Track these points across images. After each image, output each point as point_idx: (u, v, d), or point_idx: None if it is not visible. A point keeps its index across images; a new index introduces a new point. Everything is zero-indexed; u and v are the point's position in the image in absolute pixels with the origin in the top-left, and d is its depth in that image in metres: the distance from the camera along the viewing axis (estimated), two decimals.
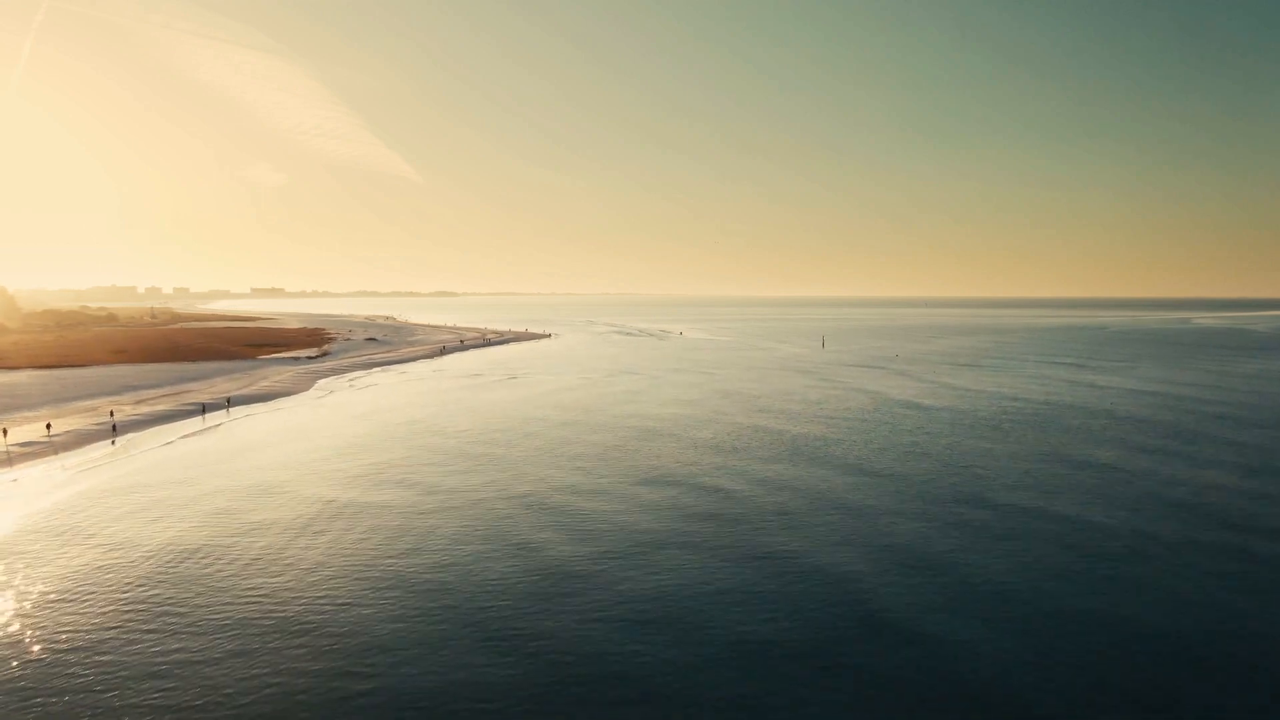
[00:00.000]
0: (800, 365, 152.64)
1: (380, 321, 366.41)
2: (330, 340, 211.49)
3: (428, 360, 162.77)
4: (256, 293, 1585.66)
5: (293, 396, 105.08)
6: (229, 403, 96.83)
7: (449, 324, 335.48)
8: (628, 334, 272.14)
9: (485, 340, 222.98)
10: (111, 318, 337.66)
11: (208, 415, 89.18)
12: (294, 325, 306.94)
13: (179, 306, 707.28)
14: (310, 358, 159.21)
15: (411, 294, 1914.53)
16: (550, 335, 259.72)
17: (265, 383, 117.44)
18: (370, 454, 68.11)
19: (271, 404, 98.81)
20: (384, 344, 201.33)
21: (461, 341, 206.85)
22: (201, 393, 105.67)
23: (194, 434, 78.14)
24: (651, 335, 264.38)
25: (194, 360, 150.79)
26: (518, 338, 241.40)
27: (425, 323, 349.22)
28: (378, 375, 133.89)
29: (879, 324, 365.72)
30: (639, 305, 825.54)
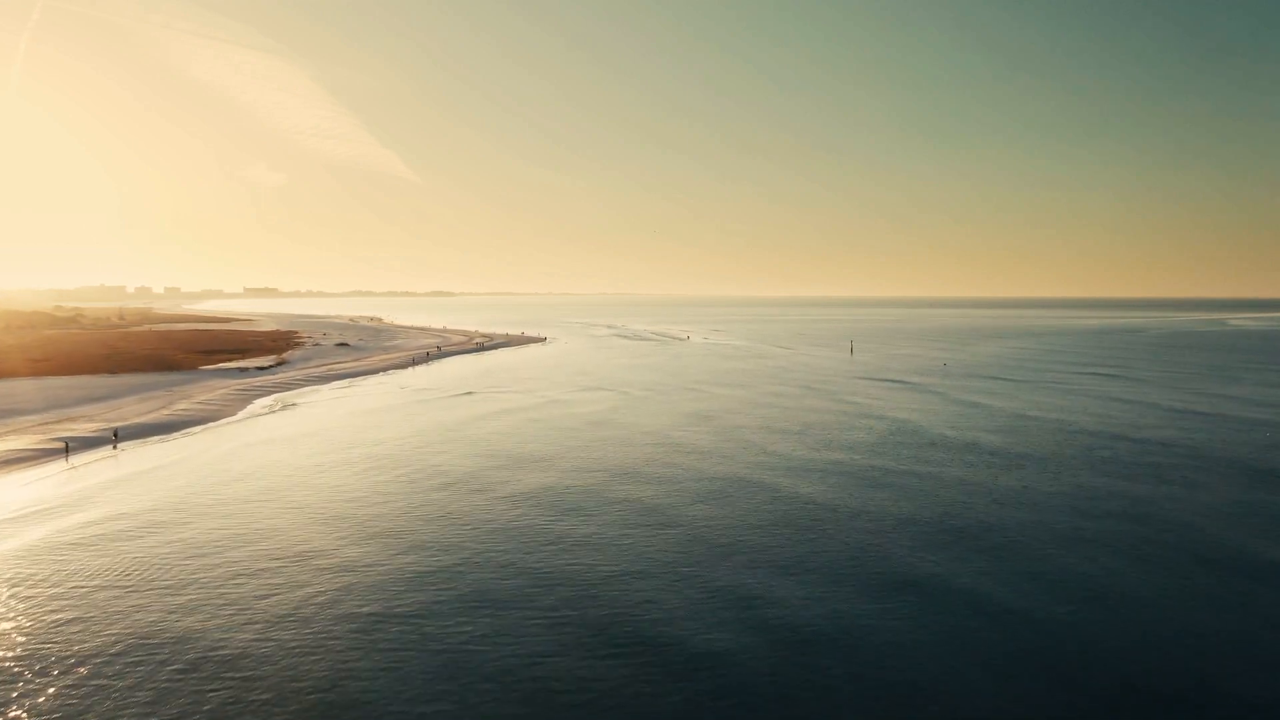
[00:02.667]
0: (834, 381, 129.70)
1: (364, 323, 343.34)
2: (298, 345, 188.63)
3: (398, 371, 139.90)
4: (250, 292, 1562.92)
5: (205, 425, 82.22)
6: (116, 436, 74.05)
7: (438, 326, 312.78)
8: (629, 337, 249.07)
9: (473, 345, 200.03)
10: (75, 319, 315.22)
11: (73, 455, 66.43)
12: (268, 328, 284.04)
13: (165, 306, 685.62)
14: (261, 368, 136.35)
15: (408, 294, 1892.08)
16: (544, 339, 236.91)
17: (185, 404, 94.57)
18: (172, 536, 45.30)
19: (172, 436, 76.14)
20: (355, 350, 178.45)
21: (439, 348, 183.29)
22: (94, 419, 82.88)
23: (19, 488, 55.26)
24: (655, 339, 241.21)
25: (124, 372, 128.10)
26: (508, 342, 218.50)
27: (412, 325, 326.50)
28: (329, 391, 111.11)
29: (896, 326, 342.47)
30: (640, 305, 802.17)
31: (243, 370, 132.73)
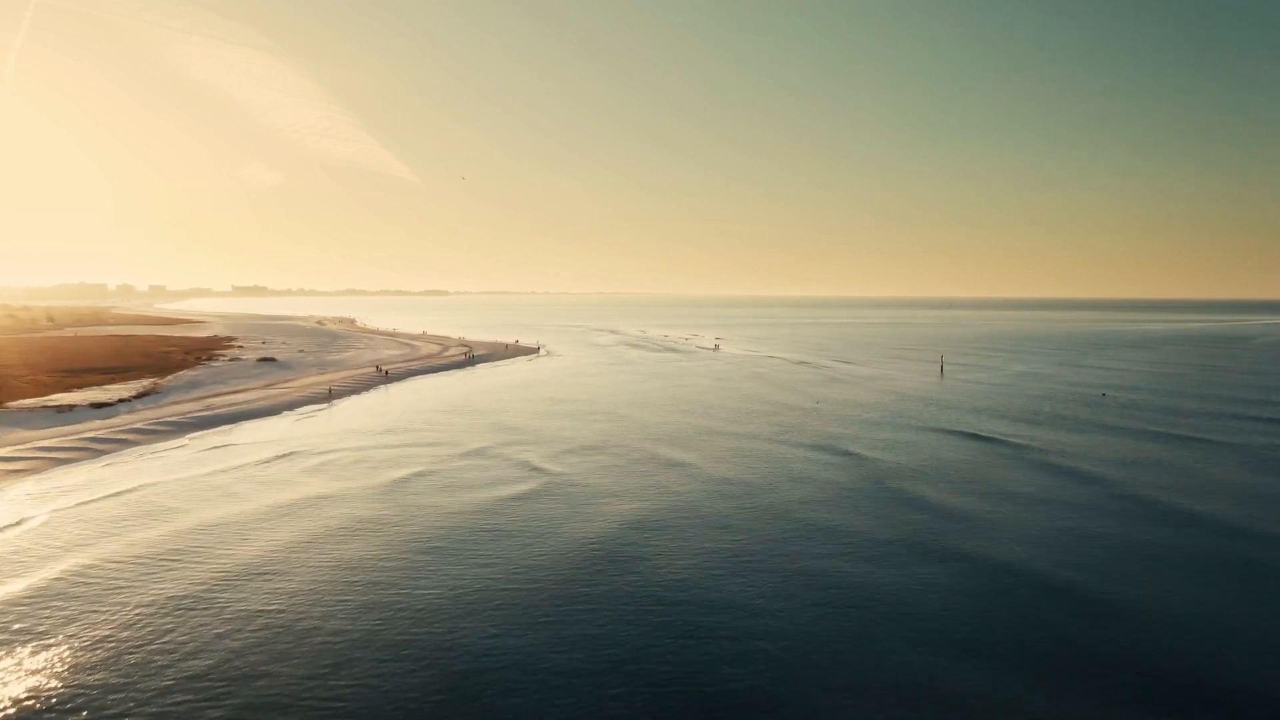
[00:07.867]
0: (966, 436, 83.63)
1: (331, 326, 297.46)
2: (210, 361, 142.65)
3: (310, 409, 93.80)
4: (238, 291, 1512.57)
5: None
6: None
7: (414, 331, 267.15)
8: (641, 346, 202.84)
9: (444, 359, 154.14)
10: None
11: None
12: (207, 333, 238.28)
13: (139, 305, 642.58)
14: (100, 405, 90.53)
15: (401, 293, 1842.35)
16: (538, 349, 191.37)
17: None
18: None
19: None
20: (278, 369, 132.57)
21: (384, 371, 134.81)
22: None
23: None
24: (675, 351, 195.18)
25: None
26: (491, 354, 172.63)
27: (382, 329, 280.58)
28: (147, 457, 64.81)
29: (942, 331, 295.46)
30: (640, 306, 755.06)
31: (65, 410, 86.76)
